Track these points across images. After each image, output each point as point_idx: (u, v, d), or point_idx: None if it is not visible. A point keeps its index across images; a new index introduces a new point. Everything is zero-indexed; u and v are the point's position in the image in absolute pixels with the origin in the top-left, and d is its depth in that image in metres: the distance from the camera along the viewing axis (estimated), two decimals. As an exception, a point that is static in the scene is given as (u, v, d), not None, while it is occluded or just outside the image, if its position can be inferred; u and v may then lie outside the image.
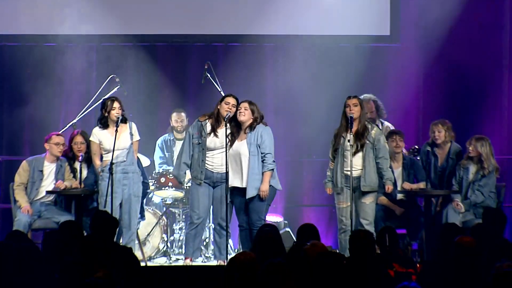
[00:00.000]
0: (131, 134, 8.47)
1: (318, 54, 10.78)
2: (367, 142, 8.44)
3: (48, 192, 8.78)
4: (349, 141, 8.30)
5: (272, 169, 8.33)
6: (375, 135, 8.49)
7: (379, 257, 6.62)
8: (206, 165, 8.41)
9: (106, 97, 8.84)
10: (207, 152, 8.40)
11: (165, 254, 9.41)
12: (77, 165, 8.93)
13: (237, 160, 8.34)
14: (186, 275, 8.03)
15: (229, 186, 8.28)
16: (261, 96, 10.65)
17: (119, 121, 8.41)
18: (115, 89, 10.14)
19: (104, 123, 8.52)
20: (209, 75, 9.96)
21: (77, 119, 9.69)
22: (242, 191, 8.34)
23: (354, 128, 8.39)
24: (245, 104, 8.41)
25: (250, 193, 8.25)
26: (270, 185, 8.34)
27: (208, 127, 8.44)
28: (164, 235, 9.46)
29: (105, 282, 5.06)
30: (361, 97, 9.14)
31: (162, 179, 9.48)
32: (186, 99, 10.81)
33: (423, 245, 8.74)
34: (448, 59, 10.78)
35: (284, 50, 10.90)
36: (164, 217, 9.53)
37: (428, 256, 8.37)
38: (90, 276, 5.22)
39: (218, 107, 8.44)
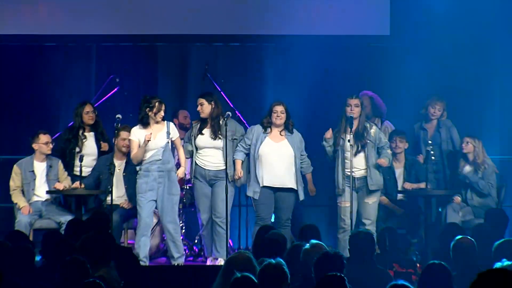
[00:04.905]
0: (168, 133, 8.48)
1: (318, 54, 10.77)
2: (368, 141, 8.46)
3: (48, 192, 8.78)
4: (349, 141, 8.30)
5: (310, 167, 8.70)
6: (375, 134, 8.52)
7: (379, 257, 6.62)
8: (200, 162, 8.59)
9: (150, 95, 8.60)
10: (198, 150, 8.62)
11: (165, 254, 9.40)
12: (86, 133, 9.03)
13: (278, 160, 8.43)
14: (186, 275, 8.04)
15: (262, 185, 8.46)
16: (260, 96, 10.66)
17: (118, 124, 8.46)
18: (115, 89, 10.16)
19: (145, 122, 8.49)
20: (209, 75, 9.99)
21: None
22: (274, 189, 8.44)
23: (353, 128, 8.40)
24: (281, 108, 8.58)
25: (302, 195, 8.52)
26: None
27: (196, 128, 8.65)
28: (164, 235, 9.45)
29: (105, 282, 5.06)
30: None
31: (162, 179, 9.48)
32: (186, 99, 10.80)
33: (423, 245, 8.73)
34: (447, 59, 10.77)
35: (284, 50, 10.90)
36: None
37: (428, 256, 8.37)
38: (90, 276, 5.22)
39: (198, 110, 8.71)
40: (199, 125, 8.66)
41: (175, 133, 8.52)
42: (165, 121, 8.51)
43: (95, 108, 9.19)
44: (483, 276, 3.80)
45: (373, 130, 8.54)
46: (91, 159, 8.89)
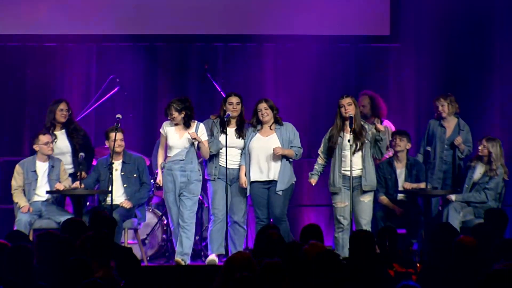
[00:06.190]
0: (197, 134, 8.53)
1: (318, 54, 10.78)
2: (366, 141, 8.47)
3: (48, 193, 8.78)
4: (349, 141, 8.31)
5: (297, 154, 8.57)
6: (373, 135, 8.52)
7: (379, 257, 6.62)
8: (221, 161, 8.58)
9: (178, 97, 8.66)
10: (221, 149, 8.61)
11: (165, 254, 9.41)
12: (57, 131, 8.95)
13: (264, 154, 8.45)
14: (186, 275, 8.04)
15: (250, 180, 8.48)
16: (260, 96, 10.64)
17: (118, 123, 8.47)
18: (115, 89, 10.16)
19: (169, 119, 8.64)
20: (209, 75, 9.99)
21: (77, 119, 9.66)
22: (265, 184, 8.48)
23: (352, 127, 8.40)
24: (264, 105, 8.61)
25: (280, 187, 8.45)
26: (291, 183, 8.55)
27: (217, 125, 8.65)
28: (164, 235, 9.47)
29: (105, 282, 5.06)
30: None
31: (162, 179, 9.47)
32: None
33: (423, 245, 8.73)
34: (448, 59, 10.78)
35: (284, 50, 10.91)
36: (164, 217, 9.53)
37: (426, 256, 8.37)
38: (90, 276, 5.22)
39: (224, 108, 8.63)
40: (219, 122, 8.65)
41: (203, 135, 8.55)
42: (196, 122, 8.57)
43: (70, 108, 9.12)
44: (492, 276, 3.80)
45: (371, 132, 8.55)
46: (67, 157, 8.87)
